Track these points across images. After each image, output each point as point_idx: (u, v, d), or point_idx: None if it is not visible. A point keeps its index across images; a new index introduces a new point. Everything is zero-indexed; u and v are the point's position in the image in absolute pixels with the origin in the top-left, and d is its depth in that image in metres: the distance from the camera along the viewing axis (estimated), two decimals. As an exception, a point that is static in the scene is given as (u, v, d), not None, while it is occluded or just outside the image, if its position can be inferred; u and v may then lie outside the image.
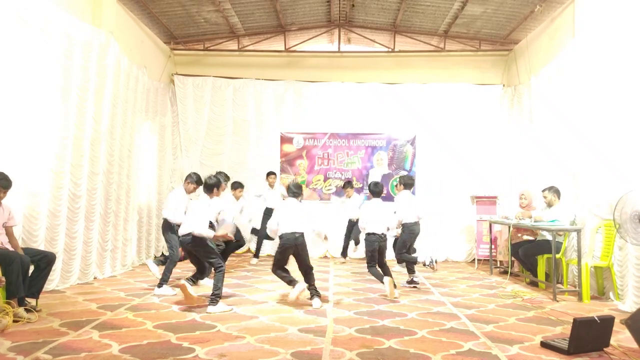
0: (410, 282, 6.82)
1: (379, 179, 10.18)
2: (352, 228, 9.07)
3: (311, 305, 5.49)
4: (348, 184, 9.45)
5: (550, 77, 8.05)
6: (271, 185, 9.25)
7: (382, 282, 6.07)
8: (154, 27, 9.47)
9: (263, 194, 9.22)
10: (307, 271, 5.73)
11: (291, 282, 5.65)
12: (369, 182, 7.18)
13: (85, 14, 7.05)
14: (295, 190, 5.88)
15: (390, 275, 6.14)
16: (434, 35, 10.31)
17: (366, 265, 6.37)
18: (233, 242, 8.29)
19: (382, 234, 6.28)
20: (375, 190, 6.49)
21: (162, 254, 9.01)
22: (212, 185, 5.71)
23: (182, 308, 5.33)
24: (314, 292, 5.63)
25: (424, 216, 7.33)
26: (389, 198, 9.27)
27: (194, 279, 5.66)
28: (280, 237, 5.68)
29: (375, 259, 6.27)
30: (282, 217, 5.73)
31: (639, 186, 5.13)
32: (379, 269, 6.26)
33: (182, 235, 5.54)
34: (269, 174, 9.37)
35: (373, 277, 6.34)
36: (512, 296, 6.27)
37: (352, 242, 9.24)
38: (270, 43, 10.78)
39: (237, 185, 8.30)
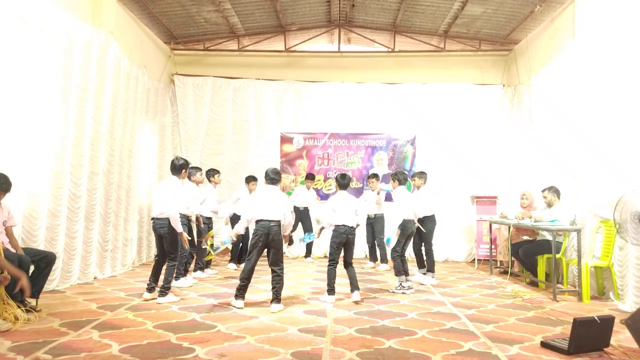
0: (399, 287, 6.42)
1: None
2: (373, 228, 8.63)
3: (270, 308, 5.29)
4: (373, 175, 8.85)
5: (550, 77, 8.05)
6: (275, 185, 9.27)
7: (329, 293, 5.76)
8: (154, 27, 9.47)
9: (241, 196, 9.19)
10: (276, 268, 5.41)
11: (240, 290, 5.38)
12: (335, 175, 6.81)
13: (85, 14, 7.05)
14: (272, 177, 5.62)
15: (357, 288, 5.80)
16: (434, 35, 10.31)
17: (328, 261, 5.91)
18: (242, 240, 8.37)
19: (352, 227, 5.91)
20: (343, 183, 6.13)
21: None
22: (181, 166, 5.99)
23: (182, 308, 5.33)
24: (275, 295, 5.36)
25: (420, 215, 7.23)
26: (388, 197, 9.25)
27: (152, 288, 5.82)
28: (256, 222, 5.44)
29: (338, 254, 5.88)
30: (259, 204, 5.49)
31: (639, 186, 5.13)
32: (335, 271, 5.86)
33: (156, 219, 5.75)
34: (308, 176, 9.72)
35: (373, 277, 6.28)
36: (512, 296, 6.27)
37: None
38: (270, 43, 10.79)
39: (251, 179, 8.38)
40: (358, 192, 10.03)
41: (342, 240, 5.86)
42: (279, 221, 5.45)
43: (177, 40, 10.31)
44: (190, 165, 6.66)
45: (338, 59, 10.73)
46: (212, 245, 7.42)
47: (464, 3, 8.67)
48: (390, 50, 10.60)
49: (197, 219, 7.19)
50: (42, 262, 5.10)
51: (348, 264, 5.94)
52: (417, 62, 10.63)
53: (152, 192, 6.82)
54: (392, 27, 10.20)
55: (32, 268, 5.05)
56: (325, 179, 10.42)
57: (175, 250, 5.76)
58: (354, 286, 5.84)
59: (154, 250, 9.39)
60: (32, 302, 4.98)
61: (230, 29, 10.05)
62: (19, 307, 4.61)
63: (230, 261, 8.51)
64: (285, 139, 10.47)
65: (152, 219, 5.86)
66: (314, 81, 10.51)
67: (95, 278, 7.02)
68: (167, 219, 5.63)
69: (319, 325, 4.71)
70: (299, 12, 9.81)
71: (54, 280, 6.05)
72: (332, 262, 5.90)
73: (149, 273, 5.89)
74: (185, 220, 6.66)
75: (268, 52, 10.79)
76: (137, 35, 8.71)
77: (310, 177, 9.72)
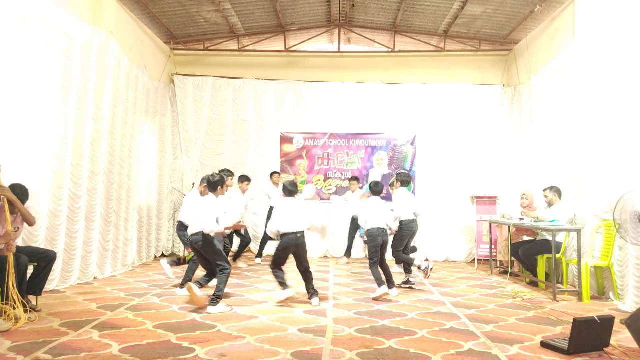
0: (406, 282, 6.77)
1: (379, 179, 10.16)
2: (356, 226, 9.00)
3: (311, 304, 5.56)
4: (354, 178, 9.34)
5: (550, 77, 8.05)
6: (276, 184, 9.27)
7: (379, 285, 5.99)
8: (154, 27, 9.47)
9: (269, 194, 9.24)
10: (305, 271, 5.76)
11: (282, 284, 5.67)
12: (369, 182, 7.12)
13: (85, 14, 7.05)
14: (291, 189, 5.83)
15: (392, 283, 6.18)
16: (434, 35, 10.31)
17: (369, 262, 6.31)
18: (241, 241, 8.39)
19: (384, 228, 6.27)
20: (376, 190, 6.51)
21: (179, 256, 9.05)
22: (215, 183, 5.70)
23: (182, 308, 5.33)
24: (312, 291, 5.71)
25: (421, 213, 7.30)
26: (388, 198, 9.27)
27: (202, 282, 5.65)
28: (282, 236, 5.69)
29: (378, 255, 6.22)
30: (282, 217, 5.73)
31: (639, 186, 5.13)
32: (380, 271, 6.21)
33: (192, 235, 5.58)
34: (273, 173, 9.42)
35: (372, 277, 6.30)
36: (512, 296, 6.27)
37: (361, 241, 9.08)
38: (270, 43, 10.79)
39: (245, 179, 8.41)
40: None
41: (379, 243, 6.21)
42: (303, 232, 5.70)
43: (177, 40, 10.31)
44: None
45: (338, 59, 10.73)
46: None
47: (464, 3, 8.67)
48: (390, 50, 10.60)
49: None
50: (43, 261, 5.11)
51: (383, 262, 6.30)
52: (417, 62, 10.63)
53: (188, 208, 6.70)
54: (392, 27, 10.20)
55: (31, 268, 5.06)
56: (325, 179, 10.42)
57: (221, 257, 5.52)
58: (390, 282, 6.18)
59: (153, 251, 9.41)
60: (33, 300, 4.99)
61: (230, 29, 10.05)
62: (24, 306, 4.63)
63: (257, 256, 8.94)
64: (285, 139, 10.47)
65: (191, 235, 5.65)
66: (314, 81, 10.51)
67: (95, 278, 7.02)
68: (199, 233, 5.44)
69: (319, 325, 4.71)
70: (299, 12, 9.81)
71: (54, 280, 6.05)
72: (374, 262, 6.22)
73: (149, 273, 5.88)
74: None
75: (268, 52, 10.79)
76: (137, 35, 8.71)
77: (275, 174, 9.48)
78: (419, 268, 6.67)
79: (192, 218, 5.72)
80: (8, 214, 4.71)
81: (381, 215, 6.34)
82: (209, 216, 5.44)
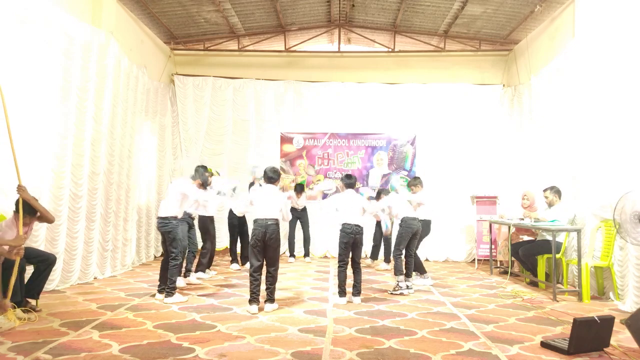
0: (397, 288, 6.34)
1: (379, 179, 10.21)
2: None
3: (262, 307, 5.29)
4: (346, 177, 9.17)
5: (550, 77, 8.05)
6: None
7: (340, 295, 5.76)
8: (154, 27, 9.47)
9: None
10: (271, 269, 5.36)
11: (253, 295, 5.26)
12: (342, 176, 6.74)
13: (85, 14, 7.05)
14: (271, 176, 5.55)
15: (358, 293, 5.82)
16: (434, 35, 10.31)
17: (337, 262, 5.92)
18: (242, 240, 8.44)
19: (357, 225, 5.86)
20: (349, 182, 6.14)
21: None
22: (271, 178, 5.57)
23: (182, 308, 5.33)
24: (269, 295, 5.34)
25: (422, 213, 7.09)
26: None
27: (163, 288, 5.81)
28: (254, 222, 5.40)
29: (347, 254, 5.86)
30: (256, 202, 5.48)
31: (639, 186, 5.13)
32: (345, 273, 5.85)
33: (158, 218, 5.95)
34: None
35: (373, 277, 6.27)
36: (512, 296, 6.27)
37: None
38: (270, 43, 10.79)
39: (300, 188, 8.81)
40: (356, 192, 10.03)
41: (350, 240, 5.83)
42: (276, 219, 5.37)
43: (177, 40, 10.31)
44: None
45: (338, 59, 10.73)
46: None
47: (464, 3, 8.67)
48: (390, 50, 10.60)
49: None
50: (42, 264, 5.10)
51: (356, 265, 5.93)
52: (417, 62, 10.63)
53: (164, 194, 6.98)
54: (392, 27, 10.20)
55: (30, 269, 5.07)
56: (326, 179, 10.42)
57: (177, 247, 5.76)
58: (357, 291, 5.85)
59: (153, 251, 9.41)
60: (32, 302, 4.99)
61: (230, 29, 10.05)
62: (25, 307, 4.65)
63: (231, 262, 8.53)
64: (285, 139, 10.47)
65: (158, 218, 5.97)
66: (314, 81, 10.51)
67: (95, 278, 7.02)
68: (167, 217, 5.79)
69: (319, 325, 4.71)
70: (299, 12, 9.81)
71: (54, 280, 6.05)
72: (342, 264, 5.87)
73: (149, 273, 5.90)
74: (187, 215, 6.74)
75: (268, 52, 10.79)
76: (137, 35, 8.71)
77: (299, 189, 9.43)
78: (398, 285, 6.32)
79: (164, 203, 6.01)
80: (21, 218, 4.70)
81: (356, 210, 5.92)
82: (175, 201, 5.81)
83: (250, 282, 5.31)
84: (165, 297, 5.63)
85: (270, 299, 5.35)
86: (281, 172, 9.71)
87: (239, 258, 8.60)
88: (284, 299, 5.89)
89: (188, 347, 3.94)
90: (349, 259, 5.95)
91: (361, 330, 4.55)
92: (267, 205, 5.39)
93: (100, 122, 7.13)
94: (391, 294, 6.32)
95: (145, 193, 9.11)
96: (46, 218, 5.02)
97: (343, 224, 5.87)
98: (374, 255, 9.12)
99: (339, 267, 5.90)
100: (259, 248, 5.33)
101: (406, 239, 6.60)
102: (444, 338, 4.32)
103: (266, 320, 4.88)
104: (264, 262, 5.39)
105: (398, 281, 6.37)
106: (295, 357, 3.77)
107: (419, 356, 3.83)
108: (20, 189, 4.74)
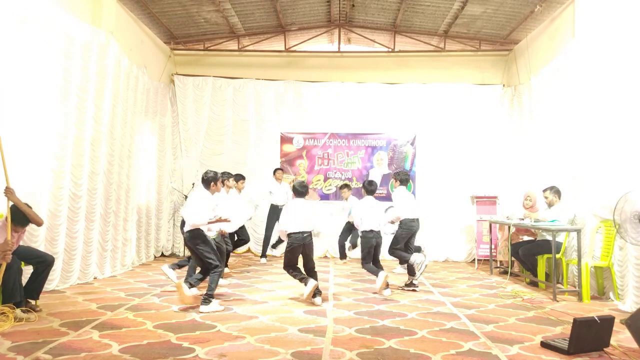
0: (409, 284, 6.64)
1: (379, 179, 10.20)
2: (350, 229, 8.98)
3: (313, 303, 5.60)
4: (345, 185, 9.27)
5: (550, 77, 8.05)
6: (278, 180, 9.40)
7: (377, 276, 6.12)
8: (154, 27, 9.47)
9: (272, 190, 9.39)
10: (311, 270, 5.86)
11: (303, 279, 5.75)
12: (364, 181, 7.05)
13: (85, 14, 7.05)
14: (300, 190, 5.94)
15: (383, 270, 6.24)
16: (434, 35, 10.31)
17: (361, 262, 6.42)
18: (237, 239, 8.38)
19: (378, 231, 6.38)
20: (370, 189, 6.55)
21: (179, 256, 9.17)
22: (208, 180, 5.76)
23: (182, 308, 5.33)
24: (316, 290, 5.74)
25: (420, 215, 7.16)
26: (388, 197, 9.28)
27: (192, 282, 5.56)
28: (289, 236, 5.78)
29: (371, 256, 6.33)
30: (290, 217, 5.80)
31: (639, 186, 5.13)
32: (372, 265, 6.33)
33: (185, 232, 5.67)
34: (277, 170, 9.55)
35: (373, 277, 6.31)
36: (512, 296, 6.27)
37: (347, 242, 9.17)
38: (270, 43, 10.79)
39: (239, 178, 8.43)
40: (358, 193, 10.02)
41: (373, 244, 6.30)
42: (310, 232, 5.82)
43: (177, 40, 10.31)
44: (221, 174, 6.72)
45: (338, 59, 10.73)
46: None
47: (464, 3, 8.67)
48: (390, 50, 10.60)
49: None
50: (40, 265, 5.09)
51: (376, 261, 6.40)
52: (417, 62, 10.63)
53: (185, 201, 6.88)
54: (392, 27, 10.20)
55: (30, 269, 5.06)
56: (325, 179, 10.42)
57: (211, 254, 5.49)
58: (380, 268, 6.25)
59: (152, 251, 9.41)
60: (32, 302, 4.98)
61: (230, 29, 10.05)
62: (25, 307, 4.65)
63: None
64: (285, 139, 10.47)
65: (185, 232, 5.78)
66: (314, 81, 10.51)
67: (95, 278, 7.02)
68: (189, 232, 5.52)
69: (319, 325, 4.71)
70: (299, 12, 9.81)
71: (54, 280, 6.05)
72: (366, 262, 6.33)
73: (149, 273, 5.89)
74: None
75: (268, 52, 10.79)
76: (137, 35, 8.71)
77: (278, 171, 9.56)
78: (413, 263, 6.57)
79: (186, 214, 5.81)
80: (9, 223, 4.65)
81: (376, 217, 6.41)
82: (196, 211, 5.49)
83: (294, 276, 5.83)
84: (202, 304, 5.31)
85: (319, 292, 5.75)
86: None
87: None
88: (284, 298, 5.90)
89: (188, 347, 3.94)
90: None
91: (361, 330, 4.55)
92: (302, 220, 5.77)
93: (100, 122, 7.13)
94: (403, 289, 6.57)
95: (145, 193, 9.12)
96: (35, 221, 4.96)
97: (364, 231, 6.32)
98: (343, 255, 9.25)
99: (364, 264, 6.34)
100: (296, 257, 5.86)
101: (404, 239, 6.80)
102: (444, 338, 4.33)
103: (266, 320, 4.88)
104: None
105: (411, 263, 6.55)
106: (295, 357, 3.77)
107: (419, 356, 3.83)
108: (8, 191, 4.67)
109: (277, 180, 9.41)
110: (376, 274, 6.13)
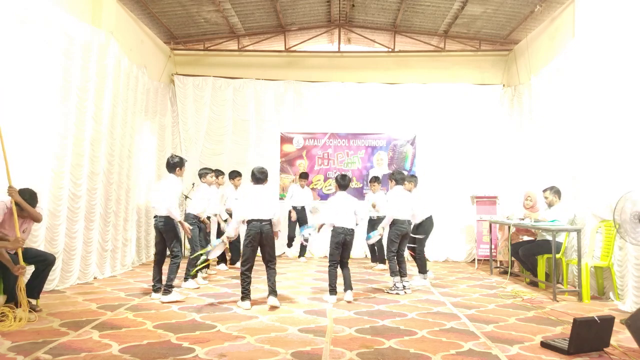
0: (393, 288, 6.36)
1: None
2: (374, 225, 8.37)
3: (265, 302, 5.40)
4: (375, 178, 8.77)
5: (550, 77, 8.05)
6: (302, 187, 9.56)
7: (331, 293, 5.78)
8: (154, 27, 9.47)
9: (293, 194, 9.49)
10: (271, 264, 5.51)
11: (244, 292, 5.42)
12: (335, 175, 6.74)
13: (85, 14, 7.05)
14: (259, 176, 5.67)
15: (350, 288, 5.84)
16: (434, 35, 10.31)
17: (329, 262, 5.95)
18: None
19: (350, 228, 5.92)
20: (343, 183, 6.13)
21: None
22: (174, 165, 5.95)
23: (182, 308, 5.33)
24: (271, 289, 5.43)
25: (418, 216, 7.08)
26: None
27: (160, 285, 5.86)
28: (247, 223, 5.49)
29: (338, 254, 5.90)
30: (248, 204, 5.52)
31: (639, 186, 5.13)
32: (336, 272, 5.91)
33: (155, 217, 5.97)
34: (302, 173, 9.73)
35: (371, 277, 6.26)
36: (512, 296, 6.27)
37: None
38: (270, 43, 10.79)
39: (236, 174, 8.42)
40: (358, 192, 10.04)
41: (341, 241, 5.90)
42: (270, 220, 5.50)
43: (177, 40, 10.31)
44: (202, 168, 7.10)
45: (338, 59, 10.74)
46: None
47: (464, 3, 8.67)
48: (390, 50, 10.60)
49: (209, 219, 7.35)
50: (41, 264, 5.09)
51: (344, 264, 5.99)
52: (417, 62, 10.63)
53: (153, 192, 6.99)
54: (392, 27, 10.21)
55: (30, 269, 5.06)
56: (325, 179, 10.43)
57: (178, 246, 5.93)
58: (347, 286, 5.89)
59: (153, 250, 9.38)
60: (32, 302, 4.98)
61: (230, 29, 10.05)
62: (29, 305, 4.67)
63: (218, 262, 8.33)
64: (285, 139, 10.47)
65: (155, 217, 6.00)
66: (314, 81, 10.51)
67: (95, 278, 7.02)
68: (165, 216, 5.80)
69: (319, 325, 4.71)
70: (299, 12, 9.81)
71: (54, 280, 6.05)
72: (333, 263, 5.94)
73: (149, 273, 5.91)
74: (196, 220, 6.82)
75: (268, 52, 10.79)
76: (137, 35, 8.71)
77: (303, 176, 9.69)
78: (394, 286, 6.34)
79: (157, 200, 5.97)
80: (16, 219, 4.71)
81: (350, 213, 5.96)
82: (172, 200, 5.74)
83: (242, 280, 5.46)
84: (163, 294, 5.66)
85: (274, 291, 5.46)
86: (281, 172, 9.85)
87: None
88: (284, 297, 5.89)
89: (188, 347, 3.94)
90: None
91: (361, 330, 4.55)
92: (260, 207, 5.52)
93: (100, 122, 7.13)
94: (387, 292, 6.36)
95: (145, 193, 9.11)
96: (34, 217, 4.99)
97: (335, 227, 5.95)
98: (374, 258, 8.89)
99: (329, 266, 5.95)
100: (253, 248, 5.51)
101: (397, 238, 6.52)
102: (444, 338, 4.32)
103: (266, 320, 4.88)
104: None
105: (395, 282, 6.39)
106: (295, 357, 3.77)
107: (419, 356, 3.83)
108: (11, 189, 4.72)
109: (300, 186, 9.56)
110: (332, 290, 5.78)
